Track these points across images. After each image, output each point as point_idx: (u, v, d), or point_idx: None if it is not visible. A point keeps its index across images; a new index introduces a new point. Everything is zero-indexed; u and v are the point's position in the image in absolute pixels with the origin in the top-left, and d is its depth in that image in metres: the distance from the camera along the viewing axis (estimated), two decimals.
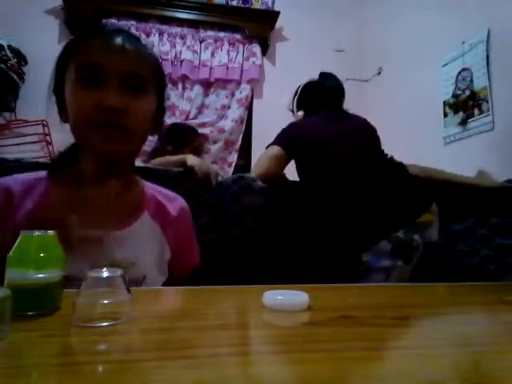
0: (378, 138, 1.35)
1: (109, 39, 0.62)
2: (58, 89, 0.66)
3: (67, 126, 0.68)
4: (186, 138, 1.78)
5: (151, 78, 0.67)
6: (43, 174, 0.68)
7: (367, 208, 1.15)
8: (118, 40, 0.62)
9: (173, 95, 2.64)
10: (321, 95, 1.43)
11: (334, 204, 1.19)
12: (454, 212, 1.36)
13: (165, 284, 0.73)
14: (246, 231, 1.25)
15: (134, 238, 0.68)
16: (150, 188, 0.77)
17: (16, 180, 0.65)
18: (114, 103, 0.59)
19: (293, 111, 1.54)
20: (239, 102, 2.73)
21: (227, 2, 2.76)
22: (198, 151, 1.74)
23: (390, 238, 1.12)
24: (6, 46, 2.18)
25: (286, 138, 1.30)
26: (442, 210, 1.26)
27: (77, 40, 0.66)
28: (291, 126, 1.35)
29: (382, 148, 1.33)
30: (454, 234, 1.38)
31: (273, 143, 1.30)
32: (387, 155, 1.31)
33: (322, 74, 1.53)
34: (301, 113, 1.46)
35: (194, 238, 0.84)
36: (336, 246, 1.20)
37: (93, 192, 0.67)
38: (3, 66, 2.15)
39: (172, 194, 0.81)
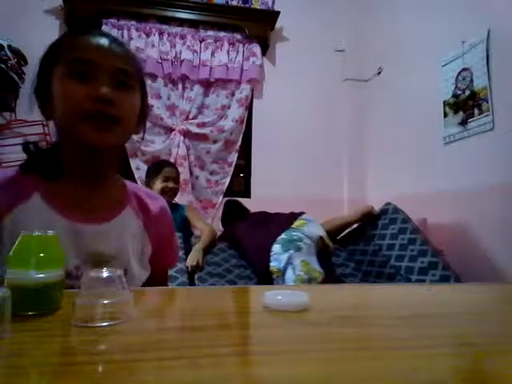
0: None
1: (98, 38, 0.65)
2: (41, 87, 0.68)
3: None
4: (155, 169, 2.10)
5: (137, 77, 0.70)
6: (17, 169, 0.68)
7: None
8: (107, 40, 0.66)
9: (173, 95, 2.63)
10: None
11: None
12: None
13: (145, 283, 0.74)
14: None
15: (116, 231, 0.69)
16: (131, 185, 0.80)
17: None
18: (105, 93, 0.61)
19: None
20: (239, 101, 2.73)
21: (227, 2, 2.75)
22: (168, 180, 2.06)
23: (285, 233, 1.81)
24: (5, 46, 2.17)
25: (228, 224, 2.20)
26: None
27: (63, 39, 0.68)
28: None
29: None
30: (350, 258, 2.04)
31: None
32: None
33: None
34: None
35: (173, 238, 0.87)
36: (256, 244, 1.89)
37: (77, 185, 0.68)
38: (3, 65, 2.15)
39: (152, 192, 0.85)
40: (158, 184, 2.02)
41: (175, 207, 2.15)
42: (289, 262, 1.68)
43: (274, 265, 1.72)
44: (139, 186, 0.83)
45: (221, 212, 2.37)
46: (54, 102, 0.64)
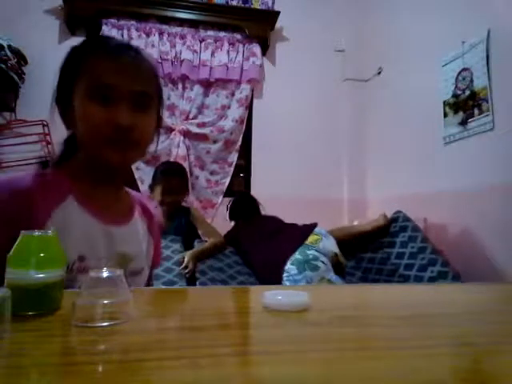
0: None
1: (118, 58, 0.65)
2: (61, 97, 0.68)
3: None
4: (158, 177, 1.98)
5: (155, 93, 0.71)
6: (48, 170, 0.71)
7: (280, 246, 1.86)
8: (127, 59, 0.66)
9: (173, 95, 2.64)
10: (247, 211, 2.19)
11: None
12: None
13: None
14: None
15: (131, 234, 0.74)
16: (132, 192, 0.84)
17: (34, 178, 0.64)
18: (125, 122, 0.63)
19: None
20: (239, 101, 2.73)
21: (227, 2, 2.75)
22: (169, 191, 1.94)
23: (299, 252, 1.74)
24: (6, 46, 2.17)
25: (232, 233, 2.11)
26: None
27: (85, 52, 0.67)
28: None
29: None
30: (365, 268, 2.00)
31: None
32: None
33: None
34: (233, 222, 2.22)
35: (160, 238, 0.91)
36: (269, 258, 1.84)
37: (100, 188, 0.71)
38: (3, 65, 2.15)
39: (146, 196, 0.89)
40: (158, 195, 1.93)
41: (183, 211, 2.06)
42: (307, 283, 1.63)
43: (288, 285, 1.65)
44: (138, 193, 0.87)
45: (220, 213, 2.36)
46: (75, 116, 0.65)
